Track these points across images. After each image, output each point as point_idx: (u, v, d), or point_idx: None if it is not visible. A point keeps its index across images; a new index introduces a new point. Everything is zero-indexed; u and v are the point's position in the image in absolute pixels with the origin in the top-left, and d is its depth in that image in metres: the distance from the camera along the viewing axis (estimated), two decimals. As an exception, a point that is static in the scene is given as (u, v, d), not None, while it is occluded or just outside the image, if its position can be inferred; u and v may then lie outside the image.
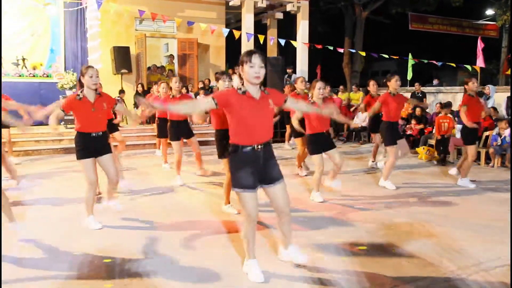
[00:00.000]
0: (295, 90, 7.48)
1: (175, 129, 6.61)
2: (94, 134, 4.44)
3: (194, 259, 3.75)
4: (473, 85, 6.34)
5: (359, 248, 4.01)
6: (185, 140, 6.96)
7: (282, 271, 3.47)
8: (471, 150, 6.46)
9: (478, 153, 8.81)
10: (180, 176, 6.72)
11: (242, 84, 3.14)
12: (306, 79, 14.05)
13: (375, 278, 3.37)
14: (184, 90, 8.10)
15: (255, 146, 3.09)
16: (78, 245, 4.08)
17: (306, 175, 7.32)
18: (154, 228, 4.60)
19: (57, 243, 4.13)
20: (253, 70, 3.01)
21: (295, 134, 7.41)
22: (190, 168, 7.80)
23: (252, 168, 3.11)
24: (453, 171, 7.12)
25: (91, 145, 4.44)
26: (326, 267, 3.55)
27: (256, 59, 3.01)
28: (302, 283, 3.27)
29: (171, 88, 6.66)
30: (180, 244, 4.14)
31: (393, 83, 6.27)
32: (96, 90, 4.48)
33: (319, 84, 5.52)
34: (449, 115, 9.56)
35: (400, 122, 7.95)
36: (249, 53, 3.04)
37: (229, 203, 5.18)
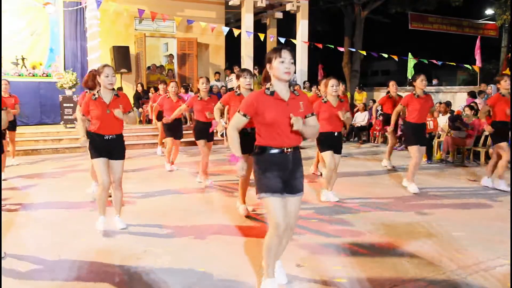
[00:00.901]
0: (318, 94, 7.42)
1: (201, 130, 6.48)
2: (107, 137, 4.29)
3: (194, 259, 3.75)
4: (505, 83, 6.12)
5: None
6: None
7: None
8: (500, 148, 6.22)
9: (479, 153, 8.84)
10: (207, 176, 6.62)
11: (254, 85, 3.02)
12: (305, 79, 14.08)
13: (375, 278, 3.37)
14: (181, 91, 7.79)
15: (284, 149, 2.87)
16: (78, 245, 4.08)
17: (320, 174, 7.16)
18: (154, 228, 4.60)
19: (57, 243, 4.13)
20: (283, 65, 2.81)
21: None
22: (195, 168, 7.81)
23: (279, 171, 2.87)
24: (499, 184, 6.35)
25: (104, 148, 4.31)
26: (326, 267, 3.55)
27: (286, 54, 2.83)
28: (302, 283, 3.26)
29: (198, 90, 6.51)
30: (180, 244, 4.14)
31: (418, 83, 6.09)
32: (113, 90, 4.33)
33: (332, 82, 5.46)
34: (447, 115, 9.56)
35: (401, 122, 7.89)
36: (278, 49, 2.87)
37: (244, 203, 5.02)
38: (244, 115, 2.89)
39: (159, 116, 9.22)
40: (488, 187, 6.42)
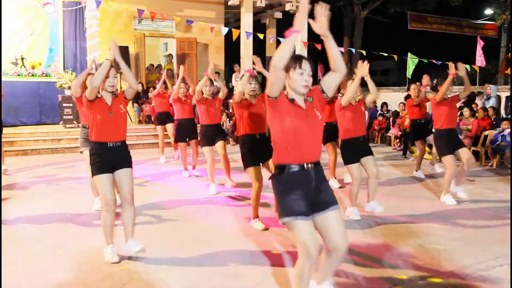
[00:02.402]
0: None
1: (206, 135, 6.09)
2: (111, 144, 3.76)
3: (193, 259, 3.76)
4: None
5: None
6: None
7: (281, 271, 3.47)
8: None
9: (478, 153, 8.84)
10: (214, 184, 6.22)
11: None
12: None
13: (374, 278, 3.37)
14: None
15: (305, 164, 2.58)
16: (77, 244, 4.09)
17: (340, 187, 6.52)
18: (153, 229, 4.60)
19: (56, 243, 4.13)
20: (302, 77, 2.59)
21: (325, 139, 6.37)
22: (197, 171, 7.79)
23: (302, 191, 2.56)
24: None
25: (108, 158, 3.74)
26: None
27: (306, 65, 2.61)
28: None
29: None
30: (179, 244, 4.14)
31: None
32: (112, 92, 3.90)
33: (351, 82, 4.92)
34: None
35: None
36: (298, 58, 2.63)
37: (257, 217, 4.59)
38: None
39: (161, 120, 8.99)
40: None
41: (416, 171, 7.43)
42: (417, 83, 7.50)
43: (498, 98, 11.03)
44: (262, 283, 3.28)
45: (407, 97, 7.98)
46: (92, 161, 3.78)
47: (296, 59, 2.62)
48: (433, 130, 5.93)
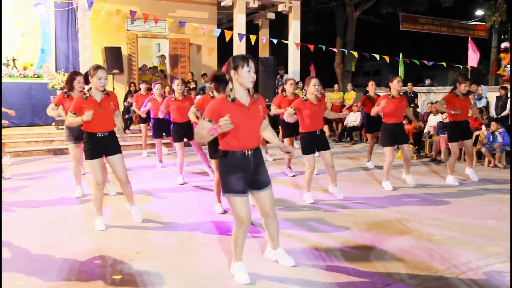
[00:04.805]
0: (283, 93, 7.46)
1: (178, 131, 6.62)
2: (100, 135, 4.44)
3: (186, 260, 3.75)
4: (461, 86, 6.47)
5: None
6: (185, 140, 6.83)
7: (271, 272, 3.48)
8: (452, 147, 6.73)
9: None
10: (182, 176, 6.82)
11: (231, 90, 3.12)
12: (298, 80, 14.12)
13: (367, 277, 3.39)
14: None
15: (246, 151, 3.11)
16: (71, 246, 4.07)
17: (294, 176, 7.27)
18: (147, 229, 4.59)
19: (50, 244, 4.11)
20: (250, 74, 3.04)
21: (285, 134, 7.35)
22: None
23: (242, 173, 3.11)
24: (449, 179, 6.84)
25: (99, 145, 4.45)
26: (317, 268, 3.57)
27: (252, 64, 3.05)
28: (292, 284, 3.27)
29: (173, 90, 6.66)
30: (172, 245, 4.14)
31: (395, 84, 6.22)
32: (104, 90, 4.47)
33: (314, 81, 5.43)
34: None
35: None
36: (245, 58, 3.07)
37: (219, 202, 5.15)
38: (210, 121, 3.03)
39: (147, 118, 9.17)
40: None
41: (368, 161, 8.22)
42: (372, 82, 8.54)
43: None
44: (251, 285, 3.29)
45: (364, 93, 8.88)
46: (85, 147, 4.48)
47: (243, 59, 3.06)
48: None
